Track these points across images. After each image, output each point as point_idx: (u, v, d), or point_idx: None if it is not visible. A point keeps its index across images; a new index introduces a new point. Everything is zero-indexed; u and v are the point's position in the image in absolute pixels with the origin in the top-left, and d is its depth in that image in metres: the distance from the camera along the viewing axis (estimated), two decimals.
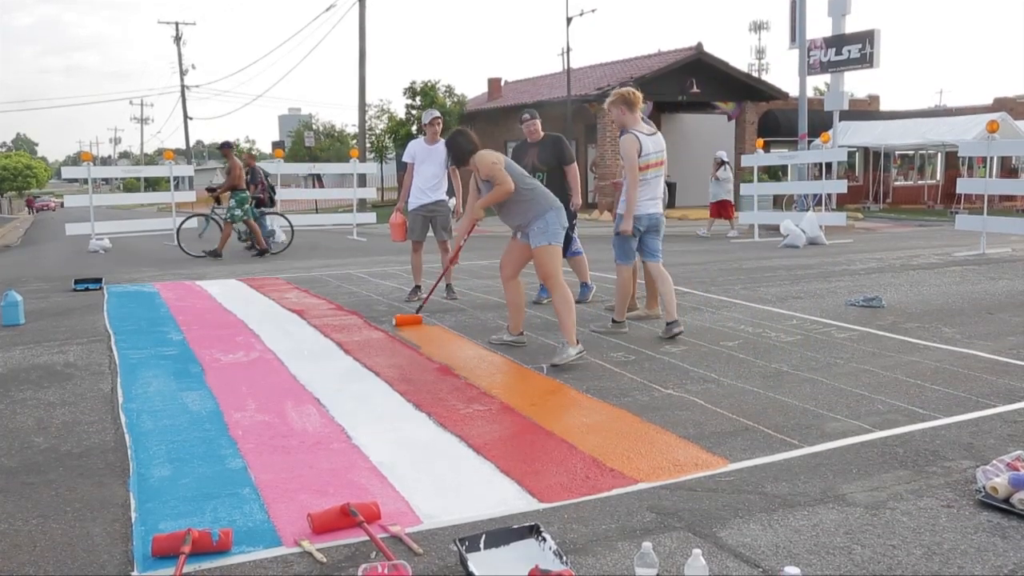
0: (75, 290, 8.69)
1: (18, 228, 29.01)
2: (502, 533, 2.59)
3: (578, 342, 5.14)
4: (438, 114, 7.70)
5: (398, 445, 3.62)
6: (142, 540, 2.67)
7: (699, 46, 24.48)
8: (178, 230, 13.28)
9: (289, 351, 5.51)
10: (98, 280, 9.02)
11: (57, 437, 3.79)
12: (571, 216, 6.91)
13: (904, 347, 5.45)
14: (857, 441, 3.59)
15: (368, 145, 32.39)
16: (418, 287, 7.73)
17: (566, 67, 26.23)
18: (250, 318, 6.78)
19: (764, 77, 48.28)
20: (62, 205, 46.64)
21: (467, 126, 5.94)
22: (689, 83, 24.22)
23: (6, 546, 2.67)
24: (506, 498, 3.03)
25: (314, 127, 45.24)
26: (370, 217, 17.82)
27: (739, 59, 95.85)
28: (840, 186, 16.09)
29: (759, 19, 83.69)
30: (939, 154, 29.70)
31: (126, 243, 15.34)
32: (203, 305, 7.58)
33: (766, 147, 18.38)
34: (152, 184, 36.62)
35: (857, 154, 28.05)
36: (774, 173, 24.23)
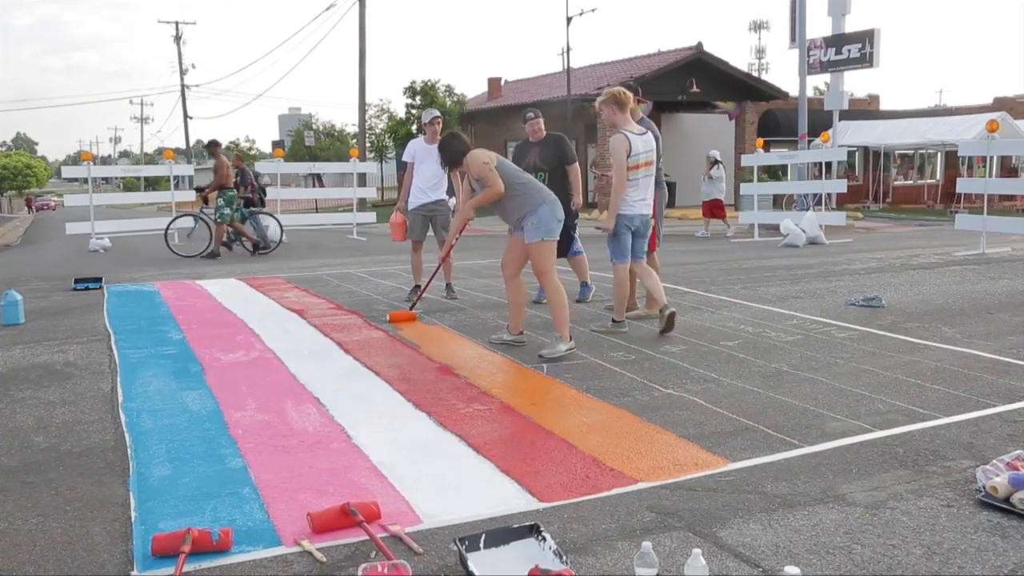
0: (75, 289, 8.69)
1: (18, 227, 29.00)
2: (502, 533, 2.59)
3: (571, 338, 5.23)
4: (438, 113, 7.70)
5: (398, 444, 3.62)
6: (142, 539, 2.67)
7: (699, 46, 24.49)
8: (167, 230, 13.13)
9: (289, 350, 5.51)
10: (98, 279, 9.02)
11: (57, 436, 3.79)
12: (572, 216, 6.92)
13: (904, 347, 5.45)
14: (857, 441, 3.59)
15: (368, 144, 32.40)
16: (418, 286, 7.72)
17: (566, 67, 26.24)
18: (250, 317, 6.78)
19: (764, 77, 48.24)
20: (62, 204, 46.63)
21: (467, 126, 5.98)
22: (689, 83, 24.23)
23: (6, 545, 2.67)
24: (506, 498, 3.02)
25: (314, 126, 45.23)
26: (370, 216, 17.81)
27: (739, 59, 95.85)
28: (840, 186, 16.10)
29: (759, 19, 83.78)
30: (939, 154, 29.70)
31: (126, 242, 15.33)
32: (203, 304, 7.58)
33: (766, 147, 18.38)
34: (152, 183, 36.65)
35: (857, 154, 28.05)
36: (774, 173, 24.23)
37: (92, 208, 14.27)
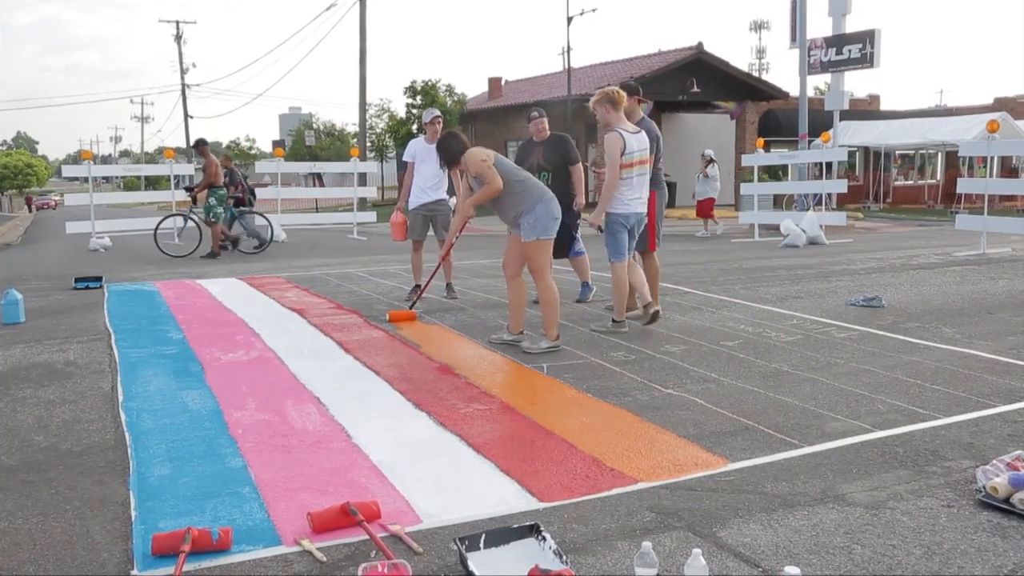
0: (75, 288, 8.69)
1: (18, 226, 29.00)
2: (502, 532, 2.59)
3: (557, 337, 5.35)
4: (439, 113, 7.69)
5: (398, 444, 3.62)
6: (142, 539, 2.67)
7: (699, 46, 24.50)
8: (156, 230, 13.00)
9: (289, 350, 5.51)
10: (98, 278, 9.01)
11: (57, 435, 3.79)
12: (575, 216, 6.91)
13: (904, 347, 5.45)
14: (857, 441, 3.58)
15: (368, 144, 32.41)
16: (418, 286, 7.72)
17: (567, 66, 26.25)
18: (250, 317, 6.78)
19: (764, 77, 48.24)
20: (63, 203, 46.63)
21: (467, 125, 5.99)
22: (690, 83, 24.23)
23: (6, 544, 2.67)
24: (506, 497, 3.02)
25: (315, 126, 45.27)
26: (370, 216, 17.80)
27: (739, 59, 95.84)
28: (840, 186, 16.10)
29: (759, 19, 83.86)
30: (939, 154, 29.70)
31: (126, 242, 15.32)
32: (203, 304, 7.58)
33: (766, 147, 18.35)
34: (152, 182, 36.67)
35: (857, 154, 28.05)
36: (774, 173, 24.24)
37: (92, 207, 14.26)
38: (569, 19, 25.76)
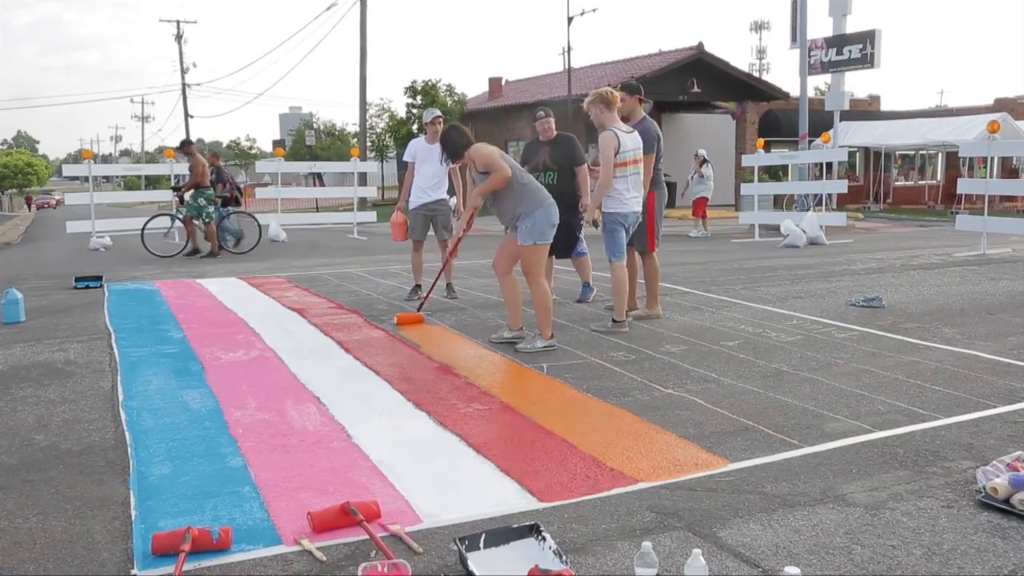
0: (76, 288, 8.69)
1: (19, 226, 29.00)
2: (502, 532, 2.59)
3: (552, 336, 5.40)
4: (439, 113, 7.69)
5: (398, 444, 3.62)
6: (142, 538, 2.67)
7: (700, 46, 24.49)
8: (143, 230, 12.90)
9: (289, 349, 5.51)
10: (99, 278, 9.02)
11: (57, 435, 3.79)
12: (579, 216, 6.90)
13: (904, 347, 5.45)
14: (857, 441, 3.59)
15: (369, 144, 32.42)
16: (418, 286, 7.73)
17: (567, 66, 26.24)
18: (250, 316, 6.78)
19: (765, 77, 48.28)
20: (63, 202, 46.61)
21: (468, 125, 6.00)
22: (690, 83, 24.23)
23: (6, 543, 2.67)
24: (506, 497, 3.03)
25: (315, 126, 45.28)
26: (370, 216, 17.80)
27: (740, 59, 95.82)
28: (840, 186, 16.09)
29: (760, 19, 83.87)
30: (940, 154, 29.71)
31: (126, 241, 15.32)
32: (203, 303, 7.58)
33: (767, 147, 18.35)
34: (153, 182, 36.61)
35: (858, 154, 28.06)
36: (775, 173, 24.25)
37: (93, 206, 14.27)
38: (569, 19, 25.76)
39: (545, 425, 3.84)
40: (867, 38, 20.63)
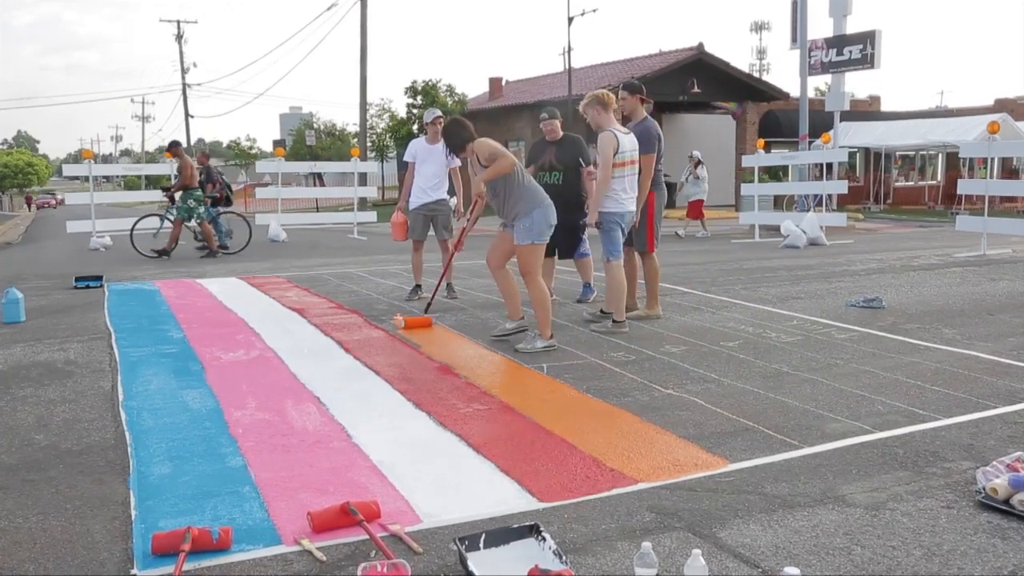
0: (76, 287, 8.69)
1: (19, 225, 29.00)
2: (502, 532, 2.59)
3: (551, 336, 5.42)
4: (440, 113, 7.68)
5: (398, 444, 3.62)
6: (142, 538, 2.67)
7: (700, 46, 24.49)
8: (132, 231, 12.79)
9: (289, 349, 5.51)
10: (99, 277, 9.02)
11: (57, 434, 3.79)
12: (584, 217, 6.90)
13: (904, 348, 5.45)
14: (857, 442, 3.59)
15: (369, 144, 32.43)
16: (418, 286, 7.73)
17: (567, 67, 26.24)
18: (250, 316, 6.78)
19: (765, 77, 48.31)
20: (62, 202, 46.64)
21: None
22: (690, 83, 24.23)
23: (6, 543, 2.67)
24: (506, 497, 3.03)
25: (315, 126, 45.25)
26: (371, 216, 17.81)
27: (740, 59, 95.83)
28: (841, 187, 16.09)
29: (760, 19, 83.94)
30: (940, 155, 29.71)
31: (127, 241, 15.31)
32: (203, 303, 7.58)
33: (767, 147, 18.34)
34: (153, 182, 36.60)
35: (858, 155, 28.06)
36: (775, 173, 24.24)
37: (93, 206, 14.27)
38: (570, 19, 25.75)
39: (545, 425, 3.84)
40: (867, 39, 20.63)
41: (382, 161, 34.74)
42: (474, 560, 2.43)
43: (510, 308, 5.78)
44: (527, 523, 2.64)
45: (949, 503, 2.93)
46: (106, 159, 69.10)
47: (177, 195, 12.26)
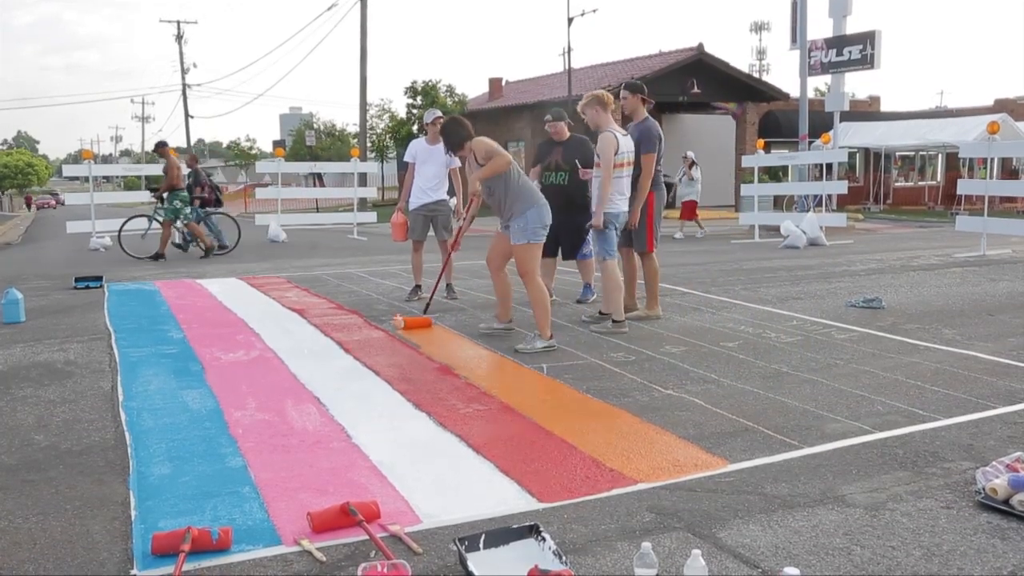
0: (76, 288, 8.69)
1: (19, 226, 29.00)
2: (501, 533, 2.59)
3: (551, 336, 5.44)
4: (440, 114, 7.68)
5: (398, 444, 3.62)
6: (142, 538, 2.67)
7: (700, 47, 24.49)
8: (120, 231, 12.80)
9: (289, 350, 5.51)
10: (99, 278, 9.02)
11: (57, 435, 3.79)
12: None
13: (904, 348, 5.45)
14: (857, 442, 3.59)
15: (369, 144, 32.41)
16: (418, 287, 7.73)
17: (567, 67, 26.24)
18: (250, 317, 6.78)
19: (765, 78, 48.27)
20: (62, 203, 46.61)
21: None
22: (690, 83, 24.23)
23: (6, 543, 2.67)
24: (506, 498, 3.03)
25: (315, 126, 45.24)
26: (370, 216, 17.81)
27: (740, 60, 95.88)
28: (840, 187, 16.09)
29: (760, 20, 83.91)
30: (940, 155, 29.71)
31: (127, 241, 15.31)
32: (203, 303, 7.58)
33: (767, 148, 18.37)
34: (153, 182, 36.65)
35: (858, 155, 28.06)
36: (775, 174, 24.24)
37: (93, 207, 14.27)
38: (570, 20, 25.76)
39: (545, 426, 3.84)
40: (867, 39, 20.64)
41: (382, 161, 34.73)
42: (474, 560, 2.43)
43: (500, 309, 5.90)
44: (527, 523, 2.64)
45: (949, 503, 2.93)
46: (106, 159, 69.10)
47: (165, 195, 12.20)
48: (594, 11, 28.35)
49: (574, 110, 6.99)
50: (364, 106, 30.60)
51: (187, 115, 45.58)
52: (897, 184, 30.20)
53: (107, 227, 14.80)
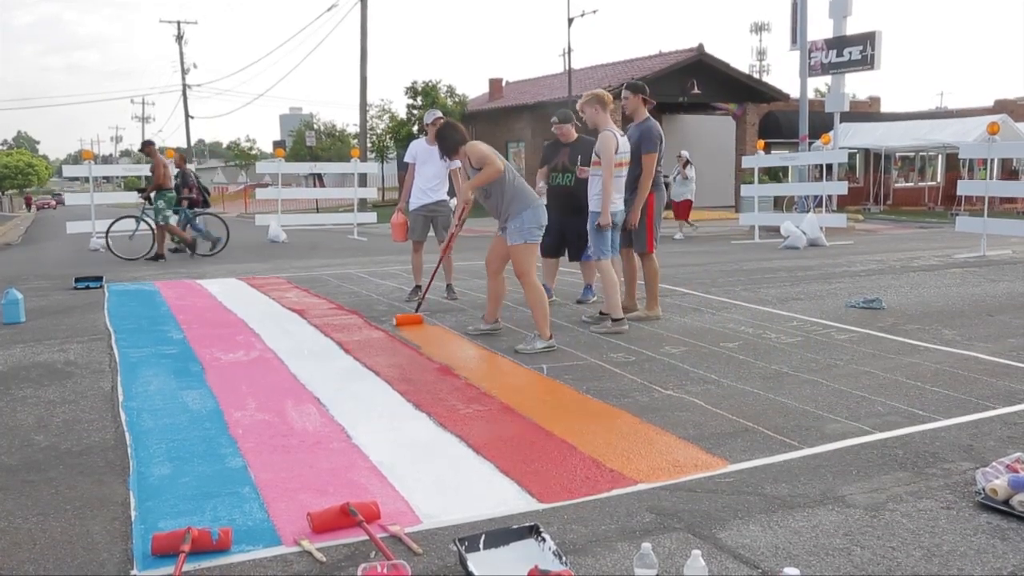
0: (76, 288, 8.69)
1: (19, 226, 29.02)
2: (501, 533, 2.59)
3: (551, 336, 5.46)
4: (440, 114, 7.67)
5: (398, 445, 3.62)
6: (142, 539, 2.67)
7: (700, 47, 24.50)
8: (108, 232, 12.77)
9: (289, 350, 5.51)
10: (99, 278, 9.02)
11: (57, 435, 3.79)
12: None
13: (904, 349, 5.45)
14: (857, 443, 3.59)
15: (369, 145, 32.41)
16: (418, 287, 7.73)
17: (567, 68, 26.26)
18: (250, 317, 6.78)
19: (765, 78, 48.26)
20: (62, 203, 46.59)
21: (468, 126, 6.10)
22: (690, 84, 24.24)
23: (6, 544, 2.67)
24: (506, 498, 3.03)
25: (315, 126, 45.23)
26: (371, 217, 17.82)
27: (740, 60, 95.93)
28: (840, 187, 16.09)
29: (760, 20, 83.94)
30: (940, 156, 29.72)
31: (123, 242, 15.31)
32: (203, 304, 7.59)
33: (767, 148, 18.36)
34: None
35: (858, 156, 28.06)
36: (775, 174, 24.24)
37: (93, 207, 14.27)
38: (570, 20, 25.80)
39: (545, 426, 3.84)
40: (867, 40, 20.67)
41: (382, 162, 34.72)
42: (474, 561, 2.43)
43: (488, 310, 5.96)
44: (527, 524, 2.64)
45: (949, 504, 2.93)
46: (106, 160, 69.02)
47: (153, 195, 12.06)
48: (594, 12, 28.36)
49: (574, 110, 7.03)
50: (364, 106, 30.62)
51: (187, 115, 45.60)
52: (897, 185, 30.20)
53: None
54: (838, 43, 20.96)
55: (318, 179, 36.01)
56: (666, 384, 4.58)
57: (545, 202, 7.04)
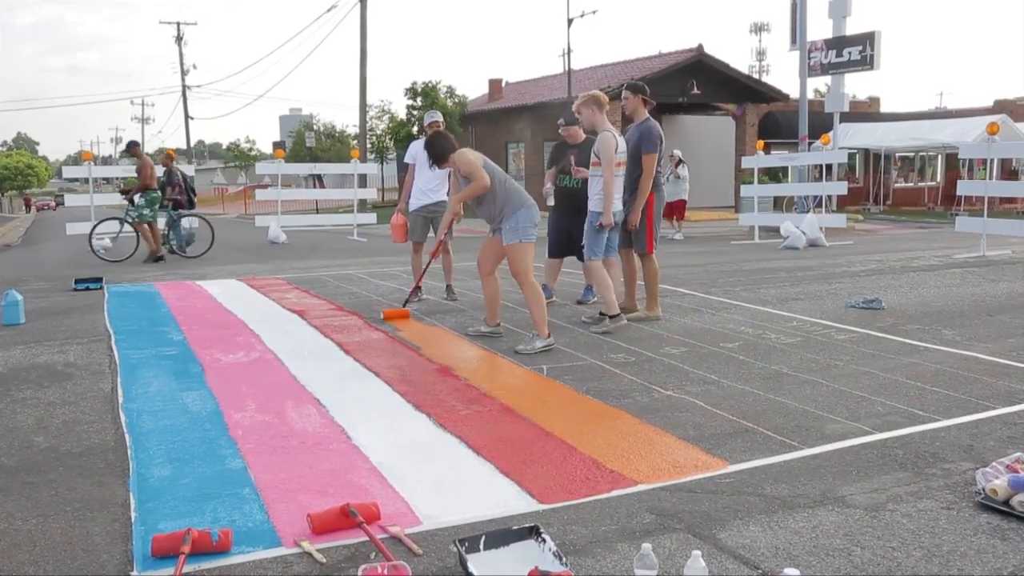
0: (75, 289, 8.69)
1: (19, 227, 29.02)
2: (502, 534, 2.59)
3: (549, 335, 5.48)
4: (440, 117, 7.70)
5: (398, 446, 3.62)
6: (142, 540, 2.67)
7: (700, 48, 24.50)
8: (91, 233, 12.70)
9: (289, 351, 5.51)
10: (99, 279, 9.02)
11: (57, 436, 3.79)
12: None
13: (904, 349, 5.45)
14: (857, 443, 3.59)
15: (369, 146, 32.39)
16: (418, 287, 7.73)
17: (567, 68, 26.26)
18: (250, 318, 6.78)
19: (765, 79, 48.23)
20: (62, 204, 46.58)
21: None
22: (690, 84, 24.24)
23: (6, 545, 2.67)
24: (506, 499, 3.03)
25: (315, 127, 45.22)
26: (370, 218, 17.82)
27: (740, 61, 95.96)
28: (840, 188, 16.09)
29: (760, 21, 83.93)
30: (939, 156, 29.73)
31: (123, 242, 15.31)
32: (203, 305, 7.59)
33: (767, 148, 18.38)
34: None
35: (857, 156, 28.07)
36: (775, 175, 24.24)
37: (93, 208, 14.27)
38: (569, 21, 25.80)
39: (545, 427, 3.84)
40: (867, 40, 20.67)
41: (382, 163, 34.72)
42: (474, 562, 2.43)
43: (489, 313, 5.94)
44: (527, 525, 2.64)
45: (949, 504, 2.93)
46: (106, 161, 69.08)
47: (138, 197, 11.94)
48: (594, 12, 28.42)
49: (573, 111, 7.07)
50: (364, 107, 30.62)
51: (187, 116, 45.63)
52: (897, 185, 30.21)
53: (107, 228, 14.80)
54: (838, 43, 20.96)
55: (318, 180, 36.04)
56: (666, 385, 4.58)
57: (552, 203, 7.09)
